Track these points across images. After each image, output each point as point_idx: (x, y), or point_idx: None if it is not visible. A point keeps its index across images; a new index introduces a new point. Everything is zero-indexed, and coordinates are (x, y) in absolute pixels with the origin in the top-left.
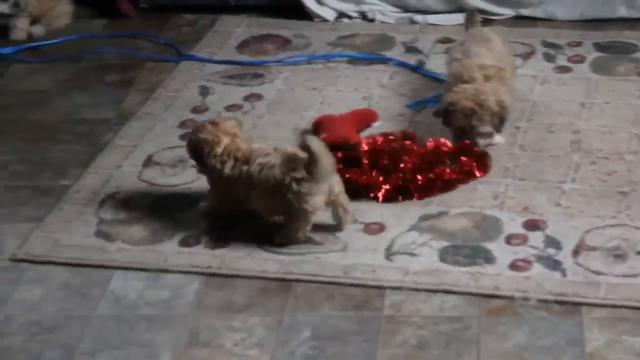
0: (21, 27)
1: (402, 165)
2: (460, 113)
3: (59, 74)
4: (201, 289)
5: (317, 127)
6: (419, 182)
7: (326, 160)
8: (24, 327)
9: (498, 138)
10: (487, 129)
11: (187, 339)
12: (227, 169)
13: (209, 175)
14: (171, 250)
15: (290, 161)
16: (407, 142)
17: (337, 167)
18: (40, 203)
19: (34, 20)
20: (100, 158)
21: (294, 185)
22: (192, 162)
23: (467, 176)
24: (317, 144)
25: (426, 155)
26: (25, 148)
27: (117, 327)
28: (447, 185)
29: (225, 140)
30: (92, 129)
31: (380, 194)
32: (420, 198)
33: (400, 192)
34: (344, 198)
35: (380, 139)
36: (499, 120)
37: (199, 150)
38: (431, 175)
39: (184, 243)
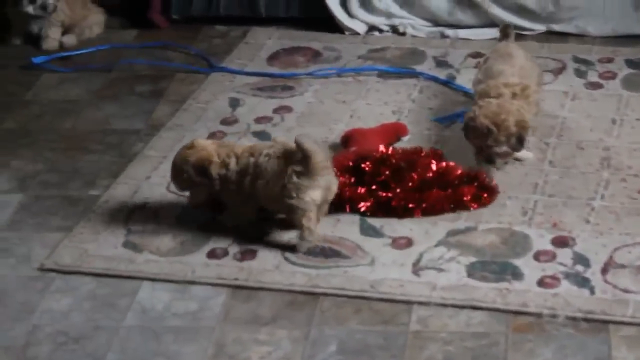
0: (53, 37)
1: (400, 183)
2: (477, 130)
3: (90, 84)
4: (228, 301)
5: (347, 140)
6: (402, 202)
7: (319, 155)
8: (51, 337)
9: (526, 154)
10: (503, 149)
11: (214, 351)
12: (233, 165)
13: (221, 186)
14: (199, 262)
15: (289, 155)
16: (422, 161)
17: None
18: (69, 213)
19: (66, 30)
20: (129, 169)
21: (294, 177)
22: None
23: (458, 205)
24: (309, 141)
25: (430, 177)
26: (55, 158)
27: (144, 338)
28: (433, 210)
29: (212, 149)
30: (122, 139)
31: (362, 208)
32: (401, 217)
33: (382, 209)
34: (325, 207)
35: (393, 154)
36: (518, 141)
37: (201, 172)
38: (419, 196)
39: (211, 255)
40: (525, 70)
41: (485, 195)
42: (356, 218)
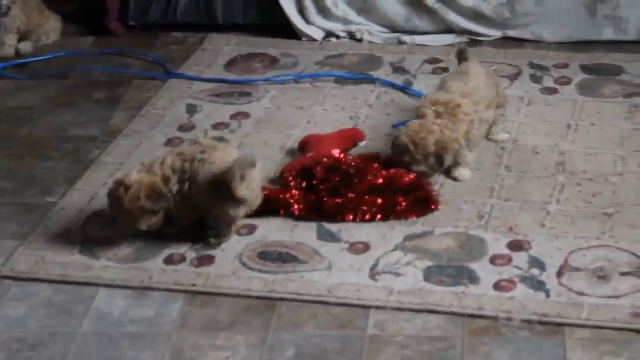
0: (9, 44)
1: (349, 189)
2: (398, 148)
3: (46, 91)
4: (185, 307)
5: (304, 146)
6: (332, 205)
7: (242, 191)
8: (7, 343)
9: (463, 172)
10: (421, 168)
11: (171, 357)
12: (172, 176)
13: (174, 201)
14: (156, 268)
15: (220, 175)
16: (373, 166)
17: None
18: (25, 220)
19: (22, 37)
20: (86, 176)
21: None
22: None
23: (392, 213)
24: (236, 178)
25: (379, 184)
26: (11, 165)
27: (101, 345)
28: (365, 217)
29: (147, 174)
30: (78, 146)
31: (294, 211)
32: (334, 221)
33: (314, 213)
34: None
35: (344, 160)
36: (437, 161)
37: (159, 198)
38: (354, 202)
39: (169, 261)
40: (478, 89)
41: (422, 206)
42: (313, 224)
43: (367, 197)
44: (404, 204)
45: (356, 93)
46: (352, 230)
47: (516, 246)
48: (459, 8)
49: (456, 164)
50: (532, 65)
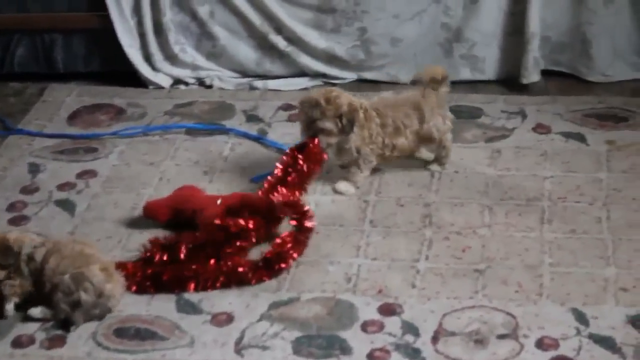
0: None
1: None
2: (307, 102)
3: None
4: None
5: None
6: (171, 275)
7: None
8: None
9: (345, 187)
10: (328, 124)
11: None
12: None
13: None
14: (2, 353)
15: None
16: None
17: None
18: None
19: None
20: None
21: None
22: None
23: (234, 278)
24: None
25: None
26: None
27: None
28: (207, 284)
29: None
30: None
31: (133, 288)
32: (175, 291)
33: (153, 285)
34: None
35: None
36: (347, 122)
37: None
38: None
39: (16, 344)
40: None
41: (264, 268)
42: (172, 294)
43: (211, 262)
44: (245, 267)
45: (209, 145)
46: (213, 300)
47: (387, 310)
48: (311, 50)
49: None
50: None
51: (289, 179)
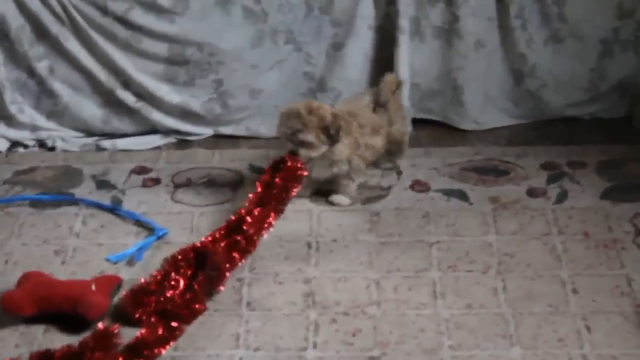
0: None
1: None
2: (287, 114)
3: None
4: None
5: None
6: None
7: None
8: None
9: (340, 199)
10: (309, 137)
11: None
12: None
13: None
14: None
15: None
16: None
17: None
18: None
19: None
20: None
21: None
22: None
23: None
24: None
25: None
26: None
27: None
28: None
29: None
30: None
31: None
32: None
33: None
34: None
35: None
36: (336, 131)
37: None
38: None
39: None
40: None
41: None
42: None
43: None
44: None
45: (58, 219)
46: None
47: None
48: (163, 106)
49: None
50: (254, 169)
51: (266, 199)
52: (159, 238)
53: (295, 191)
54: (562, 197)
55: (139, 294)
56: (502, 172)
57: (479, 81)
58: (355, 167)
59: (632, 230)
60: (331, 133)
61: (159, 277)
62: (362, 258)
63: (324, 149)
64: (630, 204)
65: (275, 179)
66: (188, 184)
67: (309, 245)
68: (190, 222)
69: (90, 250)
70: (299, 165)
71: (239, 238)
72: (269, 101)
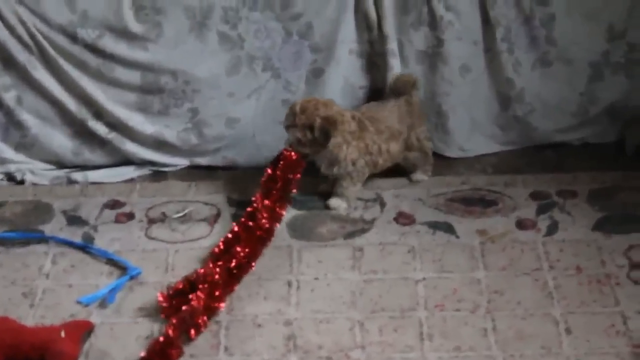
0: None
1: None
2: (288, 109)
3: None
4: None
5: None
6: None
7: None
8: None
9: (337, 203)
10: (297, 134)
11: None
12: None
13: None
14: None
15: None
16: None
17: None
18: None
19: None
20: None
21: None
22: None
23: None
24: None
25: None
26: None
27: None
28: None
29: None
30: None
31: None
32: None
33: None
34: None
35: None
36: (321, 134)
37: None
38: None
39: None
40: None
41: None
42: None
43: None
44: None
45: (26, 258)
46: None
47: None
48: (137, 136)
49: (337, 190)
50: (231, 202)
51: (273, 192)
52: (132, 278)
53: (295, 182)
54: (552, 229)
55: None
56: (489, 203)
57: (465, 107)
58: (358, 170)
59: (626, 263)
60: (315, 135)
61: None
62: (345, 297)
63: (318, 147)
64: (623, 236)
65: (277, 174)
66: (163, 219)
67: (289, 284)
68: (165, 261)
69: (61, 292)
70: (294, 157)
71: (258, 233)
72: (246, 130)
